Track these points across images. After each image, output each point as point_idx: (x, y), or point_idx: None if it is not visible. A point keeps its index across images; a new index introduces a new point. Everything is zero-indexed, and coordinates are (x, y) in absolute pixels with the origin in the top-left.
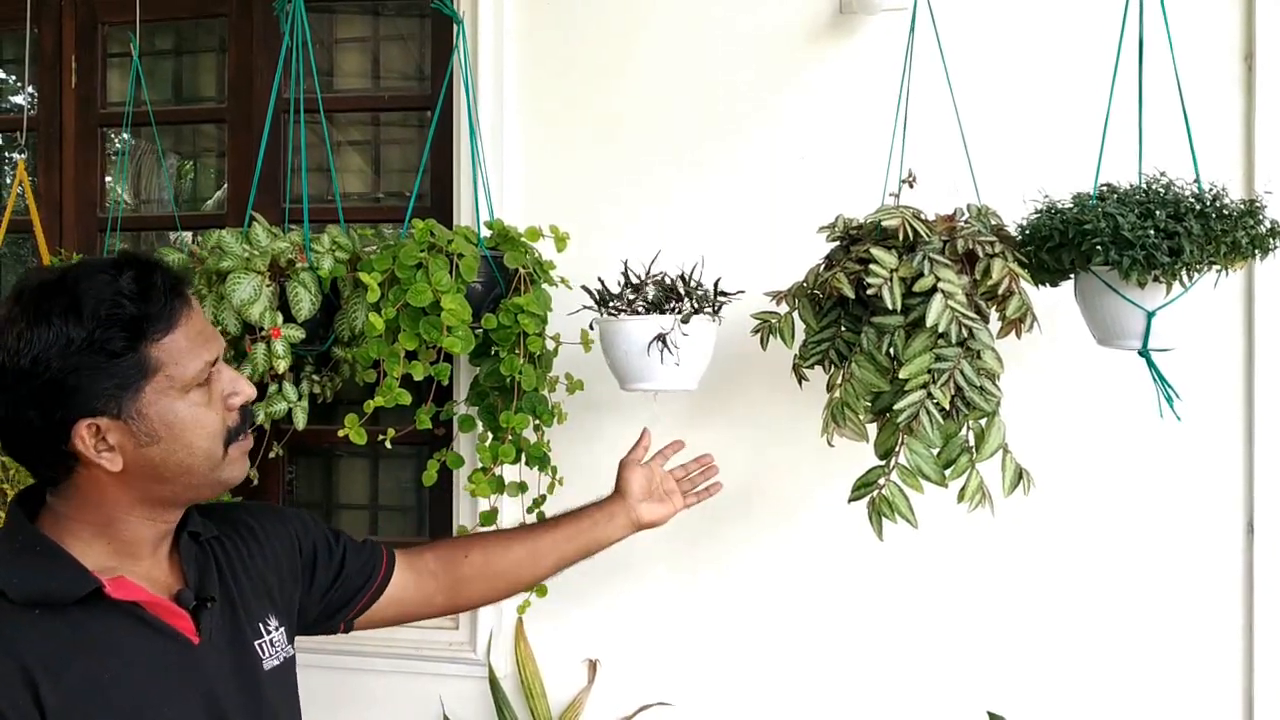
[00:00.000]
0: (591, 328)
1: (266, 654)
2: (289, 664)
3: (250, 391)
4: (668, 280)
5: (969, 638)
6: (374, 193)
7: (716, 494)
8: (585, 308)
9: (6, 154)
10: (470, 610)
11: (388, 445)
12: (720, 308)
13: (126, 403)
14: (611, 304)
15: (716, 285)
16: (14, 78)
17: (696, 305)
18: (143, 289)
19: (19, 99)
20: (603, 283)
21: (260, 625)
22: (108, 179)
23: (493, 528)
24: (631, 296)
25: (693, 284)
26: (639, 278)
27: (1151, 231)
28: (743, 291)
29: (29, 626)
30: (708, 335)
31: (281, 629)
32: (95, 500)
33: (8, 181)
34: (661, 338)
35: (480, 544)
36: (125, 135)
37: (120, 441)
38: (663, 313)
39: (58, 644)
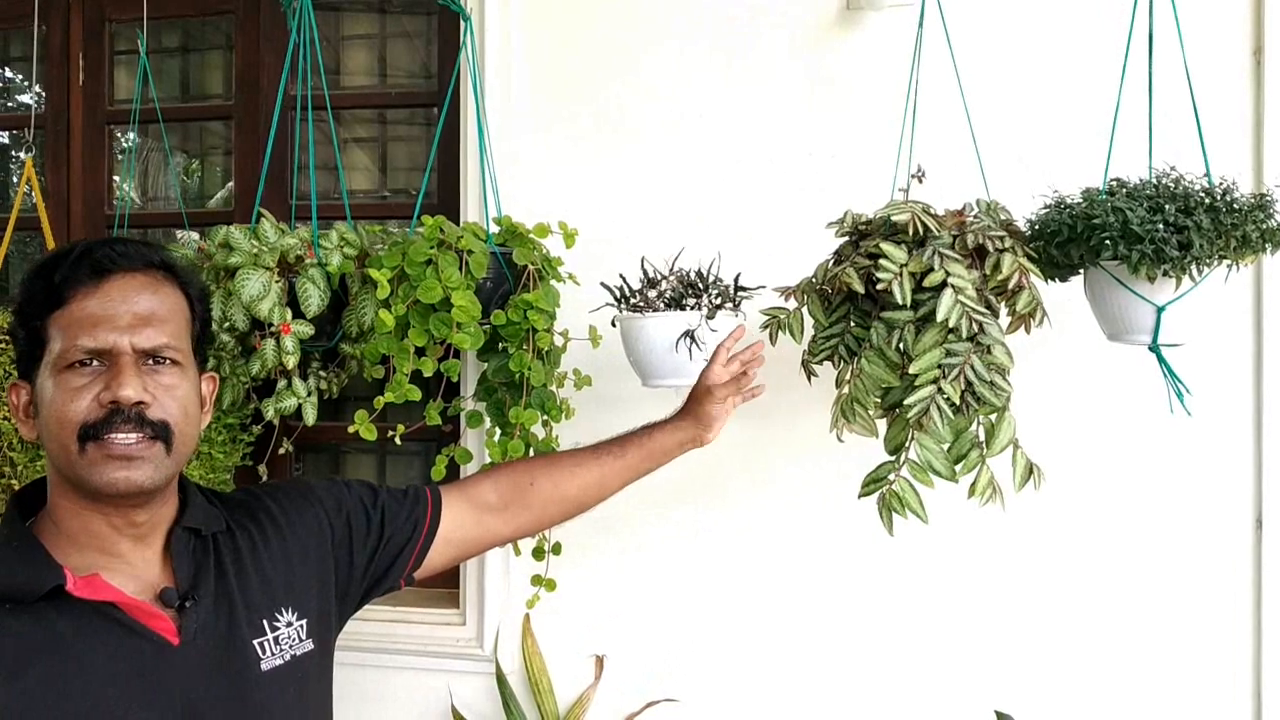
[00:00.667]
0: (614, 324)
1: (267, 653)
2: (301, 661)
3: (123, 395)
4: (688, 277)
5: (977, 633)
6: (380, 191)
7: (759, 396)
8: (607, 304)
9: (13, 152)
10: (537, 533)
11: (398, 441)
12: (740, 303)
13: (34, 372)
14: (632, 301)
15: (736, 280)
16: (20, 76)
17: (719, 301)
18: (50, 265)
19: (26, 98)
20: (624, 279)
21: (264, 622)
22: (114, 176)
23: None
24: (651, 294)
25: (711, 279)
26: (661, 275)
27: (1161, 225)
28: (763, 286)
29: None
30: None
31: (299, 623)
32: (49, 483)
33: (14, 181)
34: (689, 334)
35: (546, 469)
36: (132, 135)
37: (33, 411)
38: (681, 309)
39: (20, 642)
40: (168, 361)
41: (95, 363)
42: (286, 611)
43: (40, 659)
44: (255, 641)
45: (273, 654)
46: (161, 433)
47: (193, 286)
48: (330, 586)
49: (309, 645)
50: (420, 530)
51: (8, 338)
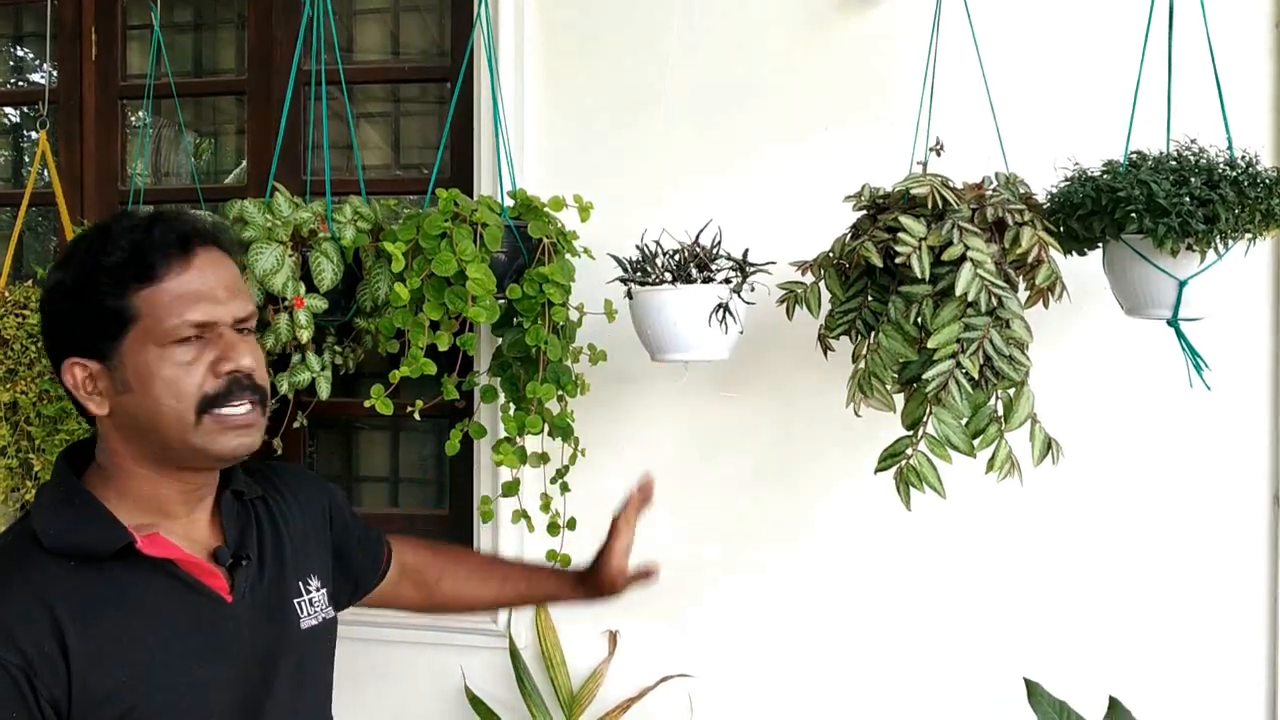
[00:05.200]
0: (629, 297)
1: (305, 613)
2: (328, 625)
3: (244, 365)
4: (697, 252)
5: (994, 608)
6: (392, 168)
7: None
8: (618, 279)
9: (24, 131)
10: (425, 614)
11: (416, 417)
12: (749, 275)
13: (109, 348)
14: (637, 274)
15: (745, 256)
16: (30, 54)
17: (722, 276)
18: (135, 240)
19: (38, 76)
20: (642, 251)
21: (300, 584)
22: (128, 152)
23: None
24: (661, 267)
25: (715, 254)
26: (667, 249)
27: (1187, 198)
28: (773, 262)
29: (62, 576)
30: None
31: (323, 590)
32: (110, 450)
33: (27, 159)
34: (724, 307)
35: (454, 572)
36: (143, 114)
37: (105, 386)
38: (689, 283)
39: (89, 595)
40: (246, 330)
41: (195, 338)
42: (314, 578)
43: (109, 612)
44: (295, 601)
45: (309, 614)
46: (262, 398)
47: (238, 255)
48: (331, 568)
49: (331, 612)
50: (379, 568)
51: (27, 308)
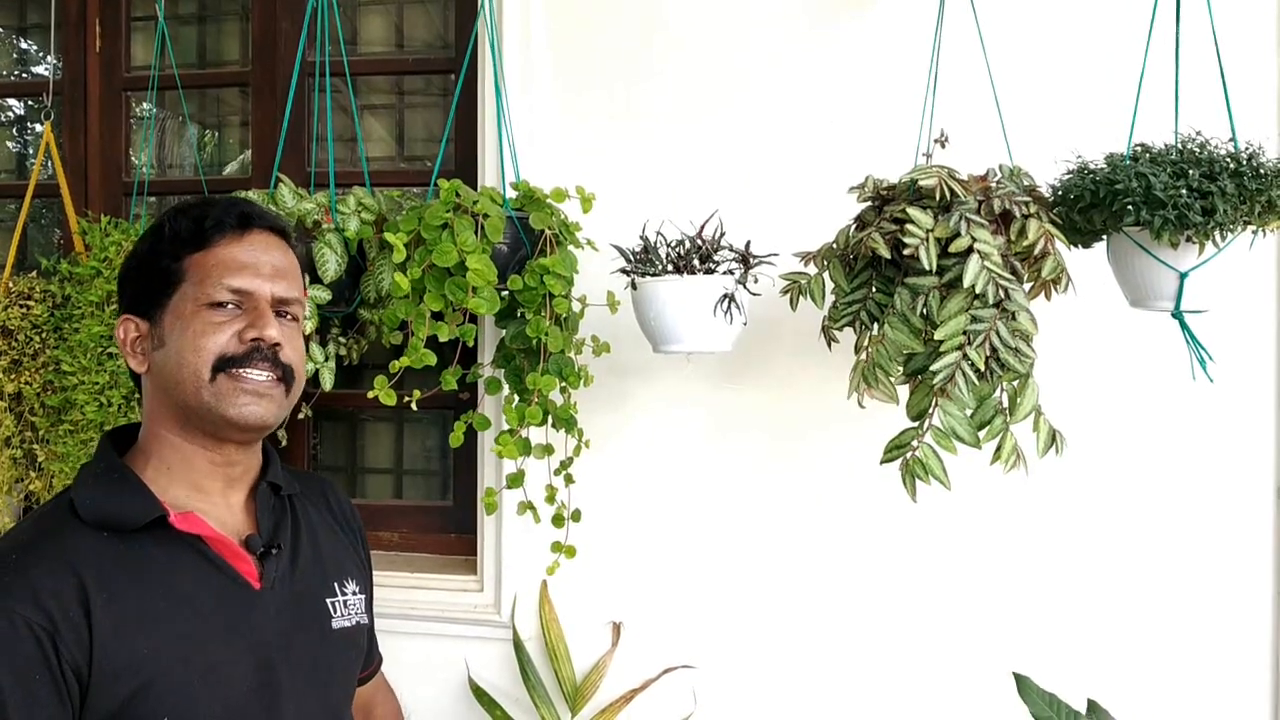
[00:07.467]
0: (634, 288)
1: (337, 612)
2: (361, 630)
3: (268, 335)
4: (700, 243)
5: (998, 599)
6: (396, 160)
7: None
8: (621, 270)
9: (28, 122)
10: None
11: (414, 407)
12: (752, 266)
13: (155, 308)
14: (640, 265)
15: (748, 247)
16: (35, 45)
17: (723, 268)
18: (194, 214)
19: (41, 69)
20: (645, 241)
21: (336, 585)
22: (132, 144)
23: None
24: (654, 258)
25: (717, 244)
26: (685, 238)
27: (1184, 190)
28: (775, 254)
29: (93, 546)
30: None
31: (360, 597)
32: (147, 414)
33: (31, 151)
34: (730, 298)
35: None
36: (147, 105)
37: (146, 345)
38: (692, 274)
39: (118, 566)
40: (289, 316)
41: (232, 305)
42: (350, 581)
43: (136, 584)
44: (328, 600)
45: (342, 615)
46: (287, 375)
47: (300, 256)
48: (370, 585)
49: (365, 619)
50: (365, 670)
51: (31, 299)
